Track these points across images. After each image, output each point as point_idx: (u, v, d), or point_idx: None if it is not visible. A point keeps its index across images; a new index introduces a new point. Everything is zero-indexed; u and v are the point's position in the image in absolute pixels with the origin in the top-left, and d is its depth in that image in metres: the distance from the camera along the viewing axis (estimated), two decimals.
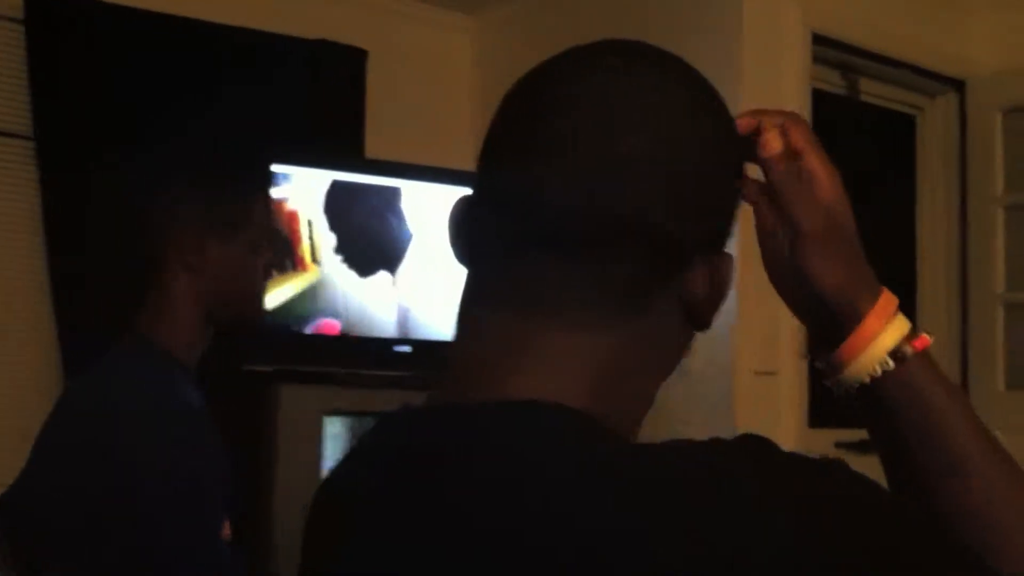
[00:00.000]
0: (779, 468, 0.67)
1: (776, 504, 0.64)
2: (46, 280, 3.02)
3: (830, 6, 3.19)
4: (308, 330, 3.01)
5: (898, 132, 3.71)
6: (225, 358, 1.98)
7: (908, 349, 0.83)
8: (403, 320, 3.12)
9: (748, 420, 2.80)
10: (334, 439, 2.88)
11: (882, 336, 0.82)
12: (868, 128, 3.61)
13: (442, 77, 3.79)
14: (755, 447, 0.69)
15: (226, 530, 1.68)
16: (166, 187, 1.85)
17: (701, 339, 0.81)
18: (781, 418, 2.85)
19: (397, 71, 3.64)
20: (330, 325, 3.02)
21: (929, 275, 3.64)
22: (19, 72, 3.05)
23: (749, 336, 2.65)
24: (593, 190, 0.72)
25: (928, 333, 0.85)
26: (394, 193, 3.14)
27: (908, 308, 3.28)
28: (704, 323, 0.78)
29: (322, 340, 3.02)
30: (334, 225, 3.05)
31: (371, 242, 3.11)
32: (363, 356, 3.02)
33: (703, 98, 0.78)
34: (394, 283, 3.11)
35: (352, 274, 3.07)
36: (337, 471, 0.80)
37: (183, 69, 3.19)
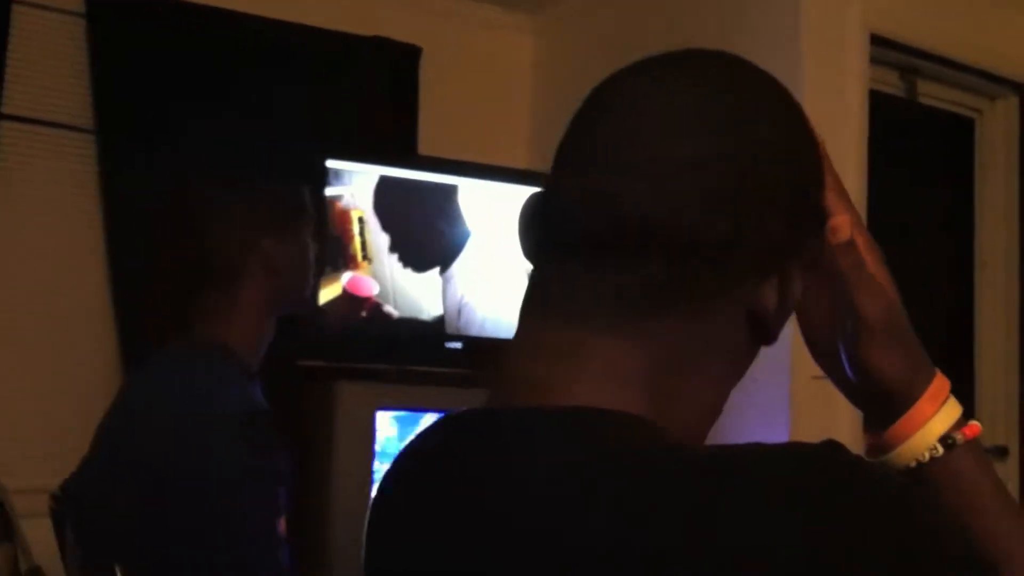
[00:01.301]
0: (835, 479, 0.66)
1: (818, 515, 0.63)
2: (106, 274, 3.06)
3: (889, 7, 3.15)
4: (344, 285, 3.01)
5: (957, 135, 3.66)
6: (280, 354, 1.99)
7: (958, 436, 0.82)
8: (456, 317, 3.13)
9: (804, 424, 2.78)
10: (386, 434, 2.89)
11: (933, 421, 0.82)
12: (926, 131, 3.56)
13: (499, 76, 3.80)
14: (822, 457, 0.68)
15: (282, 526, 1.69)
16: (225, 185, 1.86)
17: None
18: (837, 423, 2.82)
19: (455, 69, 3.65)
20: (361, 283, 3.02)
21: (988, 279, 3.59)
22: (81, 67, 3.09)
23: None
24: (650, 195, 0.72)
25: (977, 421, 0.84)
26: (450, 191, 3.15)
27: (966, 309, 3.19)
28: (771, 337, 0.78)
29: (375, 337, 3.04)
30: (387, 223, 3.07)
31: (424, 240, 3.12)
32: (416, 353, 3.04)
33: (781, 110, 0.78)
34: (448, 280, 3.12)
35: (406, 271, 3.08)
36: (392, 475, 0.80)
37: (240, 64, 3.22)
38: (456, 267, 3.13)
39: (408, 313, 3.08)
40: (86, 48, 3.08)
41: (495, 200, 3.15)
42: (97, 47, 3.07)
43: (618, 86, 0.77)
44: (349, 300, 3.01)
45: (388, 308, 3.05)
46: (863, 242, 0.82)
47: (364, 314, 3.03)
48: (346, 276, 3.01)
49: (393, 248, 3.07)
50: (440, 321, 3.12)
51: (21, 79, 3.04)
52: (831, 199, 0.82)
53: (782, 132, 0.77)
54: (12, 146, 3.04)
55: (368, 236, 3.05)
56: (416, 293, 3.09)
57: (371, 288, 3.03)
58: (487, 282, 3.13)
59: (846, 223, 0.81)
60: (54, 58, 3.10)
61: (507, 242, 3.06)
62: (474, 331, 3.13)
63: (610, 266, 0.73)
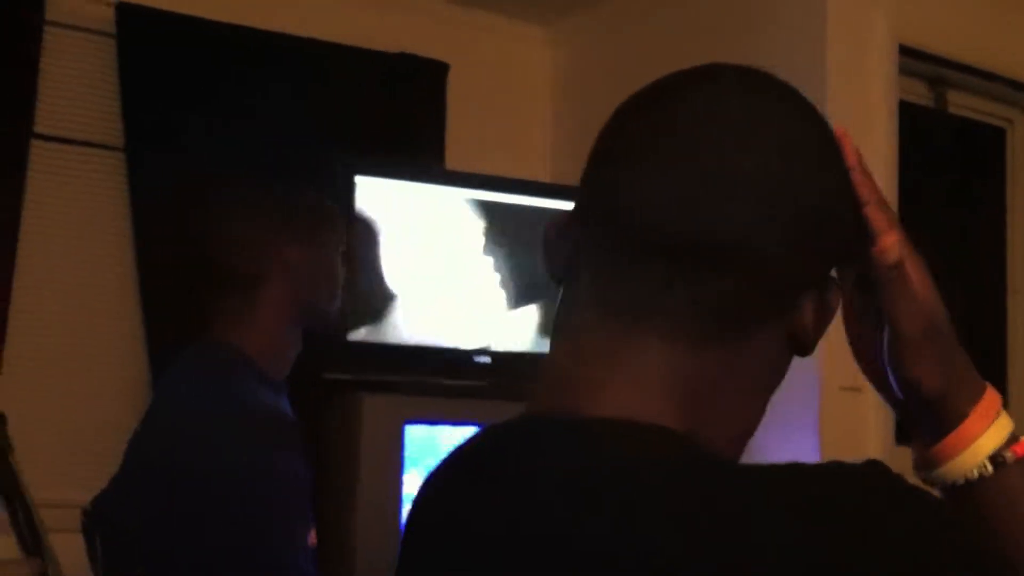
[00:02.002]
0: (877, 499, 0.65)
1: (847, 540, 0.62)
2: (136, 291, 3.08)
3: (917, 16, 3.14)
4: None
5: (987, 145, 3.64)
6: (306, 367, 2.00)
7: (1009, 455, 0.81)
8: (482, 331, 3.13)
9: (834, 436, 2.76)
10: (414, 447, 2.89)
11: (983, 439, 0.81)
12: (956, 141, 3.54)
13: (521, 89, 3.80)
14: (865, 476, 0.67)
15: (312, 538, 1.69)
16: (247, 200, 1.87)
17: None
18: (867, 435, 2.81)
19: (477, 84, 3.66)
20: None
21: (1021, 290, 3.56)
22: (111, 86, 3.12)
23: (836, 351, 2.60)
24: (706, 209, 0.72)
25: None
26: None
27: (998, 319, 3.15)
28: (807, 350, 0.77)
29: (403, 350, 3.04)
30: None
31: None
32: (443, 366, 3.04)
33: (824, 135, 0.77)
34: (473, 294, 3.12)
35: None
36: (430, 486, 0.80)
37: (268, 82, 3.24)
38: (480, 282, 3.13)
39: (435, 327, 3.08)
40: (116, 67, 3.11)
41: (518, 215, 3.14)
42: (126, 66, 3.09)
43: (681, 93, 0.76)
44: None
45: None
46: (908, 255, 0.81)
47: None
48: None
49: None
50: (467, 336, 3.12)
51: (52, 99, 3.06)
52: (875, 214, 0.81)
53: (831, 150, 0.77)
54: (43, 165, 3.06)
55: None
56: (443, 307, 3.09)
57: None
58: (511, 297, 3.13)
59: (895, 244, 0.80)
60: (84, 77, 3.13)
61: (529, 257, 3.05)
62: (501, 345, 3.13)
63: (681, 276, 0.72)
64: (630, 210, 0.74)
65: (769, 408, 0.81)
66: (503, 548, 0.69)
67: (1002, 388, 3.39)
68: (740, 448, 0.78)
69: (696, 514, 0.63)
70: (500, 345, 3.13)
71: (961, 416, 0.81)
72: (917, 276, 0.81)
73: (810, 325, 0.76)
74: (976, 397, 0.82)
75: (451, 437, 2.90)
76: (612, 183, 0.76)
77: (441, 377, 2.97)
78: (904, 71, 3.15)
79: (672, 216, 0.72)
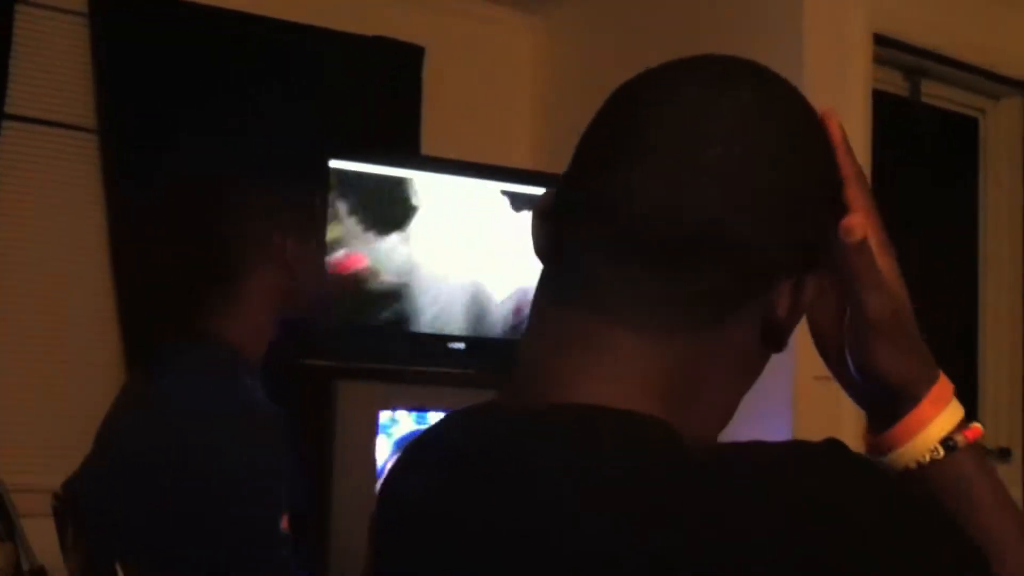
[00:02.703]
0: (833, 477, 0.66)
1: (806, 513, 0.63)
2: (110, 274, 3.06)
3: (893, 7, 3.15)
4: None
5: (961, 135, 3.66)
6: (283, 353, 1.99)
7: (959, 439, 0.82)
8: (457, 316, 3.12)
9: (807, 424, 2.77)
10: (389, 434, 2.89)
11: (934, 424, 0.82)
12: (930, 131, 3.56)
13: (502, 76, 3.80)
14: (826, 454, 0.68)
15: (284, 523, 1.69)
16: (243, 186, 1.86)
17: None
18: (841, 423, 2.82)
19: (456, 69, 3.65)
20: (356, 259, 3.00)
21: (993, 280, 3.59)
22: (84, 66, 3.09)
23: (811, 341, 2.61)
24: (679, 198, 0.72)
25: (979, 423, 0.84)
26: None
27: (970, 311, 3.18)
28: (781, 344, 0.78)
29: (379, 336, 3.03)
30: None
31: None
32: (419, 353, 3.03)
33: (802, 120, 0.78)
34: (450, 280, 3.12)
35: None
36: (401, 474, 0.80)
37: (243, 65, 3.22)
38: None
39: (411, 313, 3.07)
40: (89, 48, 3.09)
41: (496, 200, 3.14)
42: (100, 47, 3.07)
43: (665, 87, 0.77)
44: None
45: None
46: (877, 240, 0.81)
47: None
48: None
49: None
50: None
51: (24, 79, 3.04)
52: (851, 191, 0.81)
53: (806, 145, 0.78)
54: (15, 146, 3.04)
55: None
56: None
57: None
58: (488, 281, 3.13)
59: (860, 223, 0.80)
60: (57, 58, 3.10)
61: (509, 243, 3.05)
62: (478, 331, 3.12)
63: (654, 265, 0.73)
64: (604, 201, 0.74)
65: (745, 396, 0.82)
66: (503, 545, 0.68)
67: (973, 370, 3.43)
68: (715, 438, 0.78)
69: (695, 511, 0.64)
70: (475, 331, 3.12)
71: (915, 401, 0.82)
72: (885, 262, 0.81)
73: (783, 315, 0.76)
74: (931, 382, 0.83)
75: (427, 424, 2.90)
76: (587, 176, 0.77)
77: (416, 364, 2.96)
78: (879, 61, 3.16)
79: (644, 206, 0.73)
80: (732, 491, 0.64)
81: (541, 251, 0.80)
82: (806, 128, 0.78)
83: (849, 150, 0.81)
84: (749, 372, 0.79)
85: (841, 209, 0.81)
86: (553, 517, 0.67)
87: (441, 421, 0.80)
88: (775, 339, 0.77)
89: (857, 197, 0.81)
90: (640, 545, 0.63)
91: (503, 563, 0.68)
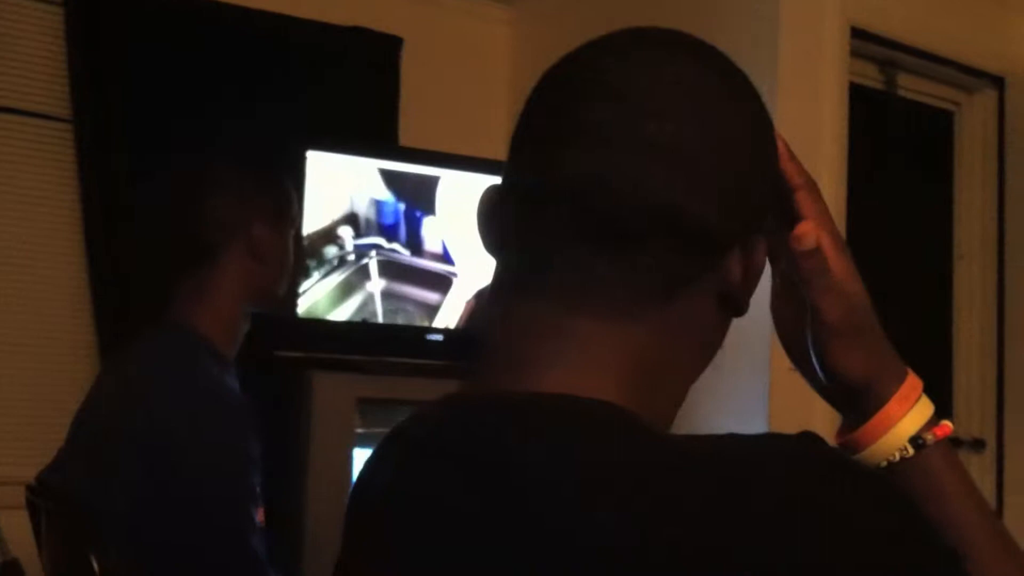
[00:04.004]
0: (810, 473, 0.66)
1: (784, 511, 0.63)
2: (84, 264, 3.05)
3: (869, 0, 3.16)
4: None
5: (936, 128, 3.68)
6: (257, 345, 1.99)
7: (928, 436, 0.83)
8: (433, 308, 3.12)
9: (782, 416, 2.78)
10: (364, 425, 2.89)
11: (903, 422, 0.82)
12: (905, 124, 3.58)
13: (479, 67, 3.79)
14: (801, 448, 0.68)
15: (260, 516, 1.69)
16: (217, 174, 1.85)
17: (737, 335, 0.81)
18: (814, 415, 2.83)
19: (434, 60, 3.64)
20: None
21: (966, 272, 3.61)
22: (58, 55, 3.07)
23: None
24: (624, 176, 0.72)
25: (948, 421, 0.85)
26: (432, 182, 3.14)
27: (944, 303, 3.20)
28: (740, 309, 0.78)
29: (355, 327, 3.03)
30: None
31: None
32: (395, 344, 3.03)
33: (741, 91, 0.78)
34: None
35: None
36: (375, 464, 0.79)
37: (218, 54, 3.21)
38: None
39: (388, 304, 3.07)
40: (64, 37, 3.06)
41: (473, 191, 3.13)
42: (75, 36, 3.05)
43: (604, 64, 0.76)
44: None
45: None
46: (830, 242, 0.82)
47: None
48: None
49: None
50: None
51: None
52: (802, 198, 0.82)
53: (746, 116, 0.77)
54: None
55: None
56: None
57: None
58: (466, 275, 3.13)
59: (811, 231, 0.81)
60: (32, 48, 3.08)
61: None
62: (454, 323, 3.13)
63: (607, 247, 0.73)
64: (550, 187, 0.74)
65: (720, 389, 0.82)
66: (480, 535, 0.68)
67: (948, 362, 3.45)
68: (673, 417, 0.78)
69: (690, 510, 0.63)
70: (452, 323, 3.13)
71: (883, 400, 0.83)
72: (839, 265, 0.82)
73: (738, 282, 0.76)
74: (898, 381, 0.84)
75: (402, 415, 2.90)
76: (532, 160, 0.76)
77: (392, 355, 2.96)
78: (855, 53, 3.17)
79: (592, 187, 0.72)
80: (708, 485, 0.64)
81: (491, 246, 0.80)
82: (747, 101, 0.78)
83: (793, 158, 0.82)
84: (710, 347, 0.79)
85: (793, 215, 0.81)
86: (526, 512, 0.66)
87: (413, 415, 0.80)
88: (734, 306, 0.77)
89: (808, 204, 0.82)
90: (624, 542, 0.63)
91: (480, 553, 0.68)
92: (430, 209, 3.12)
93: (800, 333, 0.85)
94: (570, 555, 0.64)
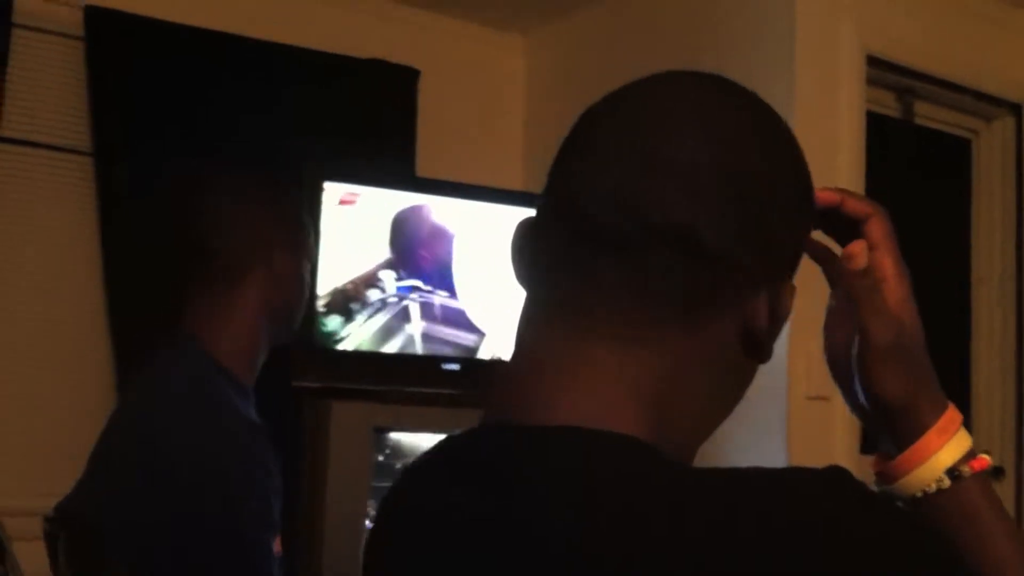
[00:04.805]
0: (842, 510, 0.66)
1: (812, 546, 0.63)
2: (103, 296, 3.06)
3: (885, 27, 3.16)
4: None
5: (953, 156, 3.67)
6: (276, 374, 1.99)
7: (966, 469, 0.83)
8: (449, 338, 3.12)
9: (801, 445, 2.77)
10: (382, 455, 2.88)
11: (941, 453, 0.82)
12: (923, 152, 3.57)
13: (494, 97, 3.81)
14: (828, 485, 0.67)
15: (278, 545, 1.68)
16: (238, 199, 1.85)
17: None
18: (834, 444, 2.82)
19: (449, 91, 3.66)
20: None
21: (985, 300, 3.60)
22: (79, 89, 3.10)
23: (803, 361, 2.63)
24: (649, 199, 0.72)
25: (987, 453, 0.85)
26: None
27: (962, 330, 3.17)
28: (764, 354, 0.78)
29: (371, 357, 3.03)
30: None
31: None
32: (413, 373, 3.03)
33: (776, 131, 0.78)
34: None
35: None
36: (399, 491, 0.80)
37: (238, 87, 3.23)
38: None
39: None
40: (84, 71, 3.09)
41: (491, 222, 3.14)
42: (95, 70, 3.08)
43: (635, 95, 0.77)
44: None
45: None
46: (892, 268, 0.83)
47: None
48: None
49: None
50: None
51: (19, 102, 3.04)
52: (872, 224, 0.84)
53: (781, 155, 0.78)
54: (10, 169, 3.04)
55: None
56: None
57: None
58: (482, 304, 3.13)
59: (861, 252, 0.83)
60: (52, 81, 3.11)
61: (501, 263, 3.05)
62: (471, 352, 3.12)
63: (629, 268, 0.73)
64: (579, 207, 0.74)
65: (738, 416, 0.81)
66: (500, 567, 0.68)
67: (966, 389, 3.43)
68: (695, 451, 0.78)
69: (700, 545, 0.63)
70: (469, 352, 3.12)
71: (922, 430, 0.82)
72: (896, 291, 0.83)
73: (763, 325, 0.76)
74: (938, 412, 0.83)
75: (420, 444, 2.90)
76: (563, 184, 0.77)
77: (410, 385, 2.96)
78: (872, 82, 3.17)
79: (617, 208, 0.72)
80: (735, 524, 0.64)
81: (521, 278, 0.81)
82: (782, 141, 0.78)
83: (853, 195, 0.84)
84: (734, 386, 0.79)
85: (813, 218, 0.82)
86: (544, 554, 0.66)
87: (431, 449, 0.80)
88: (757, 349, 0.77)
89: (876, 230, 0.84)
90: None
91: None
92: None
93: (847, 354, 0.85)
94: None
